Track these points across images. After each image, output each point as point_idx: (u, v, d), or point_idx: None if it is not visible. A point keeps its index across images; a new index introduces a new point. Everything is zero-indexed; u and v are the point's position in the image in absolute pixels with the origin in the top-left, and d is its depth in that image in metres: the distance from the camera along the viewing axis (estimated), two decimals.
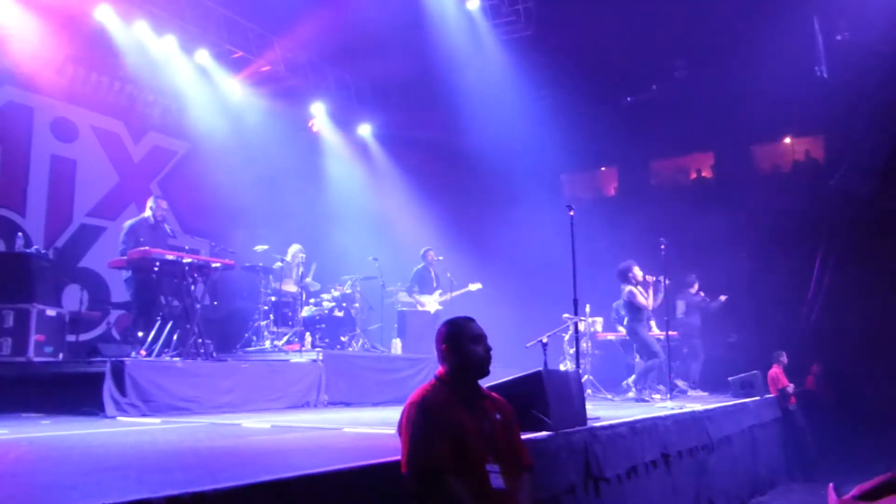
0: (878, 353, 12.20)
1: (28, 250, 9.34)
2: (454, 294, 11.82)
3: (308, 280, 11.14)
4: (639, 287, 10.18)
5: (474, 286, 11.79)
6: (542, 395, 4.95)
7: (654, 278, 10.32)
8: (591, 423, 5.50)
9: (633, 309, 10.24)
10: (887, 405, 11.94)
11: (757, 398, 10.56)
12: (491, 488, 3.30)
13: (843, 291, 12.91)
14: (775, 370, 11.72)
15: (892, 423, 11.68)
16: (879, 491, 2.28)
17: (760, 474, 9.99)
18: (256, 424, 6.03)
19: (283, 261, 10.82)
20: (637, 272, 10.17)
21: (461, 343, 3.49)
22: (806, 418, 11.73)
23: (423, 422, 3.26)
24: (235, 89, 13.72)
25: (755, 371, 11.12)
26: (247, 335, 10.43)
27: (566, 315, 9.73)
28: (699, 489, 7.40)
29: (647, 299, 10.13)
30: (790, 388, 11.62)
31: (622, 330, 11.60)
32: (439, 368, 3.58)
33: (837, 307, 12.90)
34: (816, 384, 13.01)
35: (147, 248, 8.08)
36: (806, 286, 12.93)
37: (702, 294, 12.50)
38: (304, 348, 9.60)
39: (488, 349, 3.54)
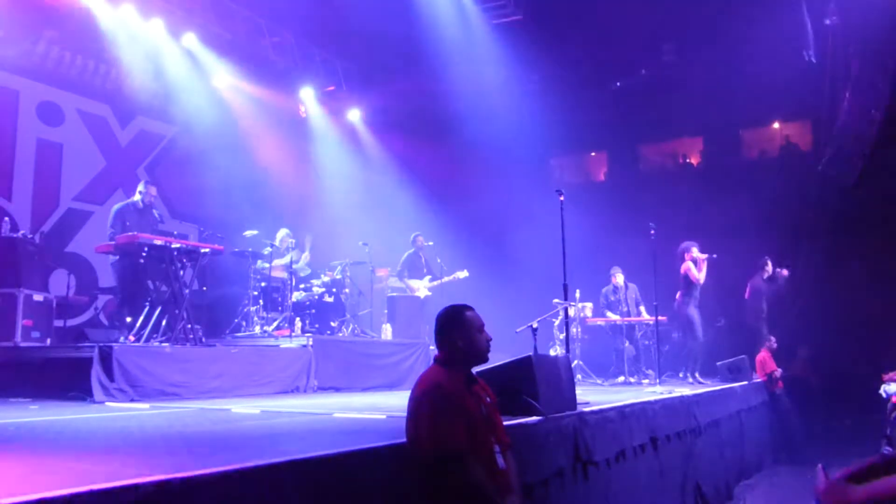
0: (863, 338, 12.29)
1: (14, 235, 9.27)
2: (444, 280, 11.83)
3: (304, 255, 11.13)
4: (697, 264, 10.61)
5: (461, 274, 11.81)
6: (531, 380, 4.96)
7: (707, 255, 10.73)
8: (580, 408, 5.53)
9: (687, 285, 10.67)
10: (872, 389, 12.04)
11: (745, 382, 10.64)
12: (498, 468, 3.47)
13: (829, 276, 12.99)
14: (764, 354, 11.80)
15: (878, 406, 11.79)
16: (867, 473, 2.29)
17: (747, 458, 10.08)
18: (246, 409, 6.02)
19: (272, 246, 10.79)
20: (695, 252, 10.61)
21: (469, 331, 3.63)
22: (792, 402, 11.83)
23: (442, 405, 3.35)
24: (223, 73, 13.61)
25: (743, 355, 11.20)
26: (236, 320, 10.40)
27: (556, 300, 9.75)
28: (687, 473, 7.46)
29: (700, 274, 10.55)
30: (778, 372, 11.71)
31: (610, 315, 11.65)
32: (437, 353, 3.68)
33: (824, 292, 12.98)
34: (803, 368, 13.11)
35: (135, 232, 8.03)
36: (792, 271, 12.98)
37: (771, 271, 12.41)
38: (293, 333, 9.59)
39: (489, 338, 3.71)
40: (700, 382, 10.20)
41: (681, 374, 10.64)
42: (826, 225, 13.34)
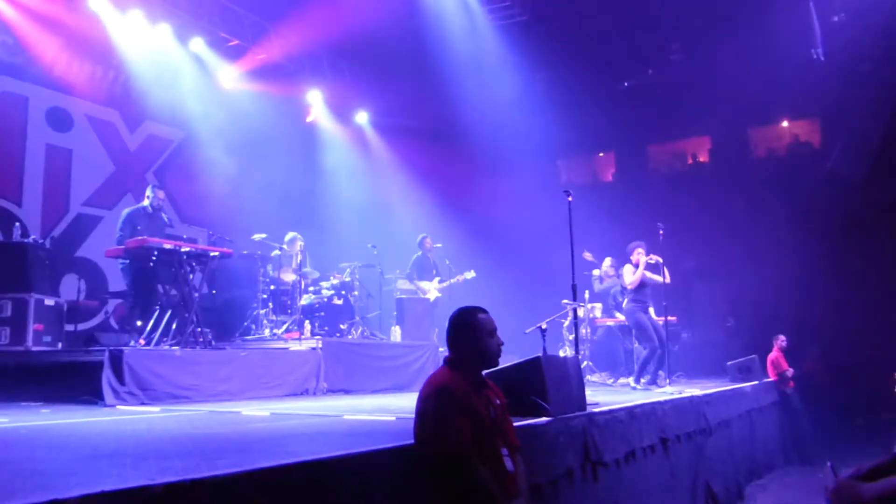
0: (874, 336, 12.23)
1: (25, 240, 9.31)
2: (451, 281, 11.82)
3: (306, 269, 11.13)
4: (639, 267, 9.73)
5: (469, 274, 11.79)
6: (541, 381, 4.96)
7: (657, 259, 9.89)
8: (589, 409, 5.52)
9: (625, 288, 9.98)
10: (883, 388, 11.98)
11: (755, 382, 10.60)
12: (506, 470, 3.45)
13: (838, 274, 12.92)
14: (776, 354, 11.75)
15: (888, 406, 11.73)
16: (878, 472, 2.28)
17: (758, 458, 10.04)
18: (255, 412, 6.03)
19: (281, 249, 10.82)
20: (637, 253, 9.76)
21: (480, 334, 3.61)
22: (803, 402, 11.78)
23: (449, 407, 3.35)
24: (231, 77, 13.66)
25: (753, 355, 11.16)
26: (245, 323, 10.43)
27: (565, 301, 9.73)
28: (697, 473, 7.44)
29: (633, 276, 9.66)
30: (790, 372, 11.65)
31: (620, 316, 11.61)
32: (448, 355, 3.68)
33: (834, 290, 12.91)
34: (814, 368, 13.05)
35: (145, 236, 8.07)
36: (802, 270, 12.93)
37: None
38: (303, 336, 9.60)
39: (500, 343, 3.69)
40: (633, 387, 9.44)
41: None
42: (835, 222, 13.28)
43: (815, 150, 15.34)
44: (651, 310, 10.52)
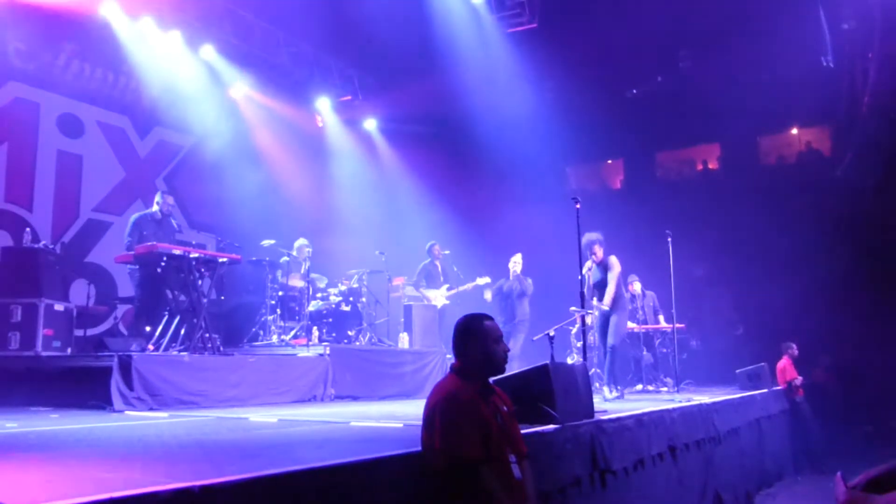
0: (884, 344, 12.15)
1: (36, 245, 9.37)
2: (461, 288, 11.80)
3: (314, 276, 11.14)
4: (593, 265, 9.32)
5: (482, 280, 11.75)
6: (548, 389, 4.95)
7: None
8: (597, 416, 5.50)
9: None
10: (893, 396, 11.89)
11: (764, 390, 10.55)
12: (514, 478, 3.45)
13: (849, 282, 12.85)
14: (785, 362, 11.70)
15: None
16: (887, 480, 2.26)
17: (767, 466, 9.98)
18: (263, 418, 6.04)
19: (289, 255, 10.85)
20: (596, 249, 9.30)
21: (486, 341, 3.62)
22: (813, 410, 11.71)
23: (456, 414, 3.35)
24: (240, 84, 13.73)
25: (762, 363, 11.11)
26: (254, 330, 10.44)
27: (573, 308, 9.70)
28: (706, 481, 7.39)
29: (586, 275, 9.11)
30: (799, 380, 11.59)
31: (629, 323, 11.55)
32: (454, 362, 3.68)
33: (844, 298, 12.84)
34: (824, 376, 12.97)
35: (154, 242, 8.10)
36: (813, 277, 12.86)
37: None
38: (311, 342, 9.61)
39: (506, 350, 3.69)
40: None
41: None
42: (846, 230, 13.21)
43: (825, 158, 15.28)
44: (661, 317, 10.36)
